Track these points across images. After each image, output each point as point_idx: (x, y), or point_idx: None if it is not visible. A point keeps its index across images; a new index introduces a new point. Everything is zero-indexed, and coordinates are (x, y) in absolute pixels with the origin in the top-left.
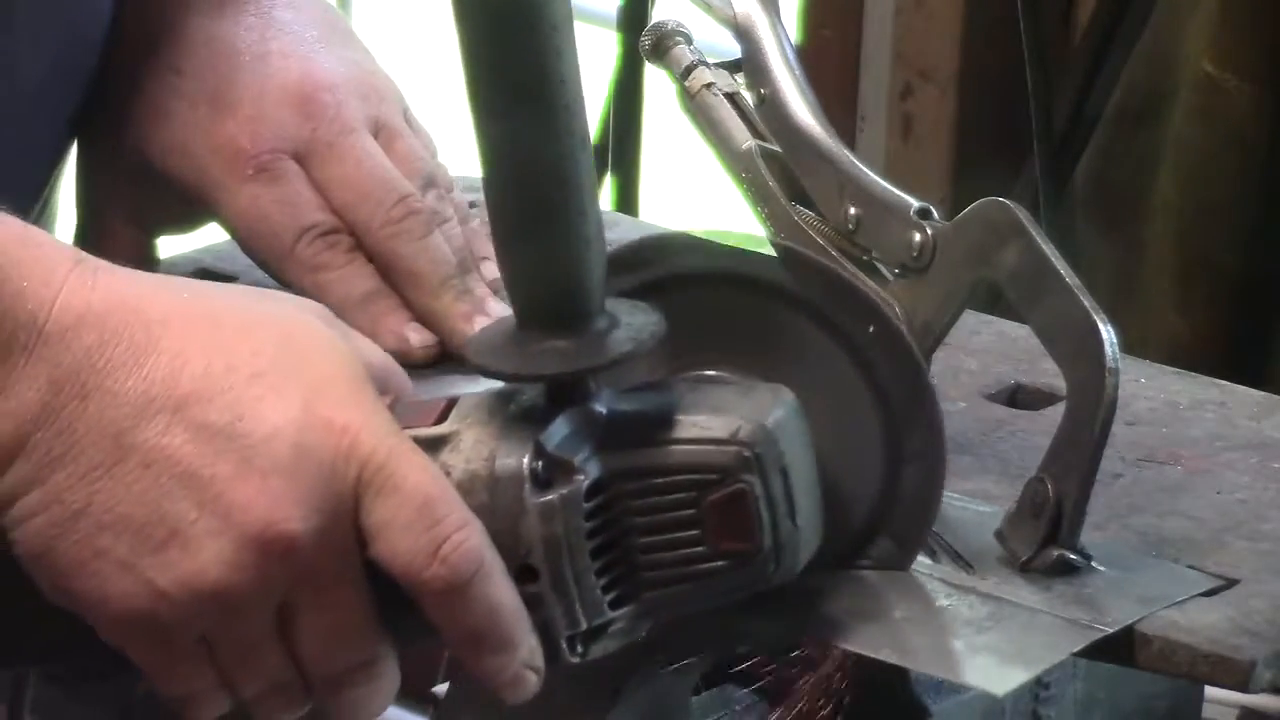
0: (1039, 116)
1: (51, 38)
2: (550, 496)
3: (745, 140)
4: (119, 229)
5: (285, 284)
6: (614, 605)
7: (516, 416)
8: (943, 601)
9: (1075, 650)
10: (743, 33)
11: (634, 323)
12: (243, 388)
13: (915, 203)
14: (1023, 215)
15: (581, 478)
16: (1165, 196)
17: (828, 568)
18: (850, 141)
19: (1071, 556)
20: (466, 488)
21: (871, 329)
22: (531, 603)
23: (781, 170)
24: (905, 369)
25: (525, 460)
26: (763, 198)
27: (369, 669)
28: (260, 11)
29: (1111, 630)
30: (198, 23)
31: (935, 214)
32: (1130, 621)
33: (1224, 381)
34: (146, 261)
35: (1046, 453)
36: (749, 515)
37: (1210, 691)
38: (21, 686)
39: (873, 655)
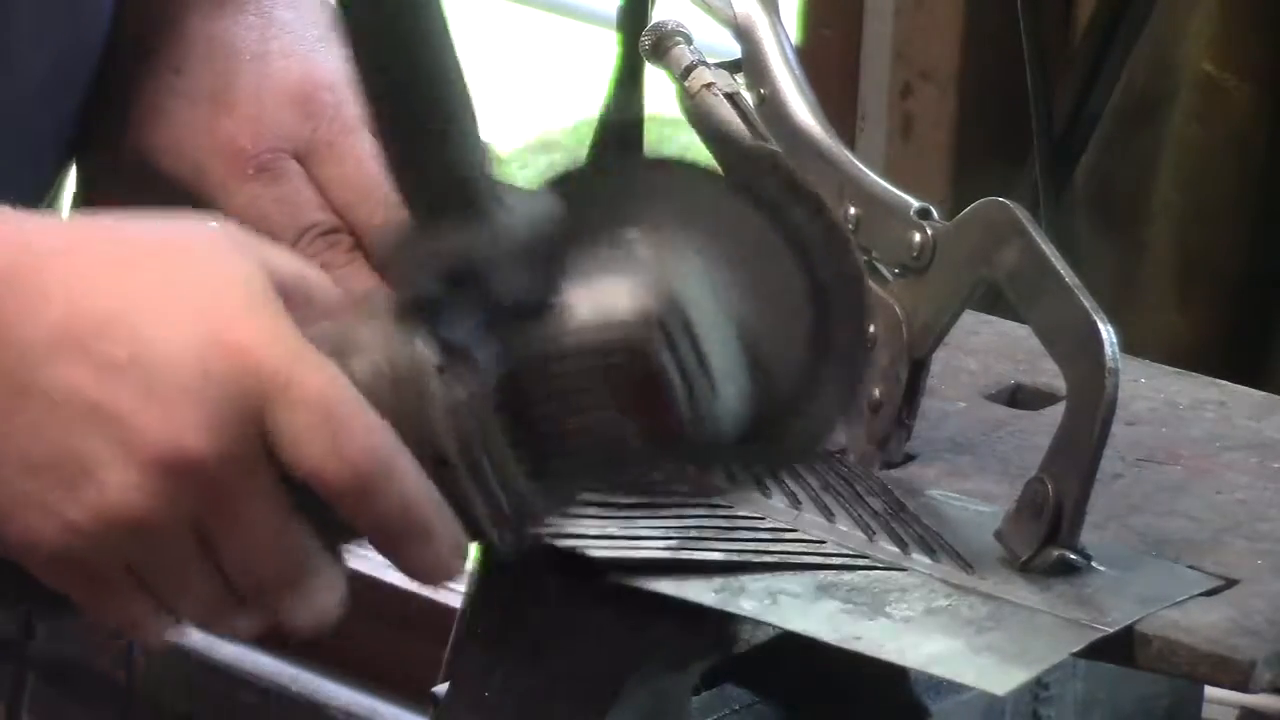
0: (1039, 116)
1: (52, 37)
2: (457, 389)
3: (745, 140)
4: None
5: None
6: (536, 488)
7: (420, 311)
8: (942, 601)
9: (1075, 650)
10: (743, 33)
11: (529, 207)
12: (141, 315)
13: (915, 203)
14: (1023, 215)
15: (487, 367)
16: (1165, 196)
17: (755, 446)
18: (850, 141)
19: (1071, 556)
20: (371, 388)
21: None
22: (449, 493)
23: None
24: (837, 255)
25: (429, 354)
26: None
27: (300, 573)
28: (260, 11)
29: (1111, 630)
30: (197, 22)
31: (935, 214)
32: (1130, 621)
33: (1224, 381)
34: None
35: (1046, 453)
36: (663, 387)
37: (1210, 691)
38: (20, 686)
39: (873, 655)
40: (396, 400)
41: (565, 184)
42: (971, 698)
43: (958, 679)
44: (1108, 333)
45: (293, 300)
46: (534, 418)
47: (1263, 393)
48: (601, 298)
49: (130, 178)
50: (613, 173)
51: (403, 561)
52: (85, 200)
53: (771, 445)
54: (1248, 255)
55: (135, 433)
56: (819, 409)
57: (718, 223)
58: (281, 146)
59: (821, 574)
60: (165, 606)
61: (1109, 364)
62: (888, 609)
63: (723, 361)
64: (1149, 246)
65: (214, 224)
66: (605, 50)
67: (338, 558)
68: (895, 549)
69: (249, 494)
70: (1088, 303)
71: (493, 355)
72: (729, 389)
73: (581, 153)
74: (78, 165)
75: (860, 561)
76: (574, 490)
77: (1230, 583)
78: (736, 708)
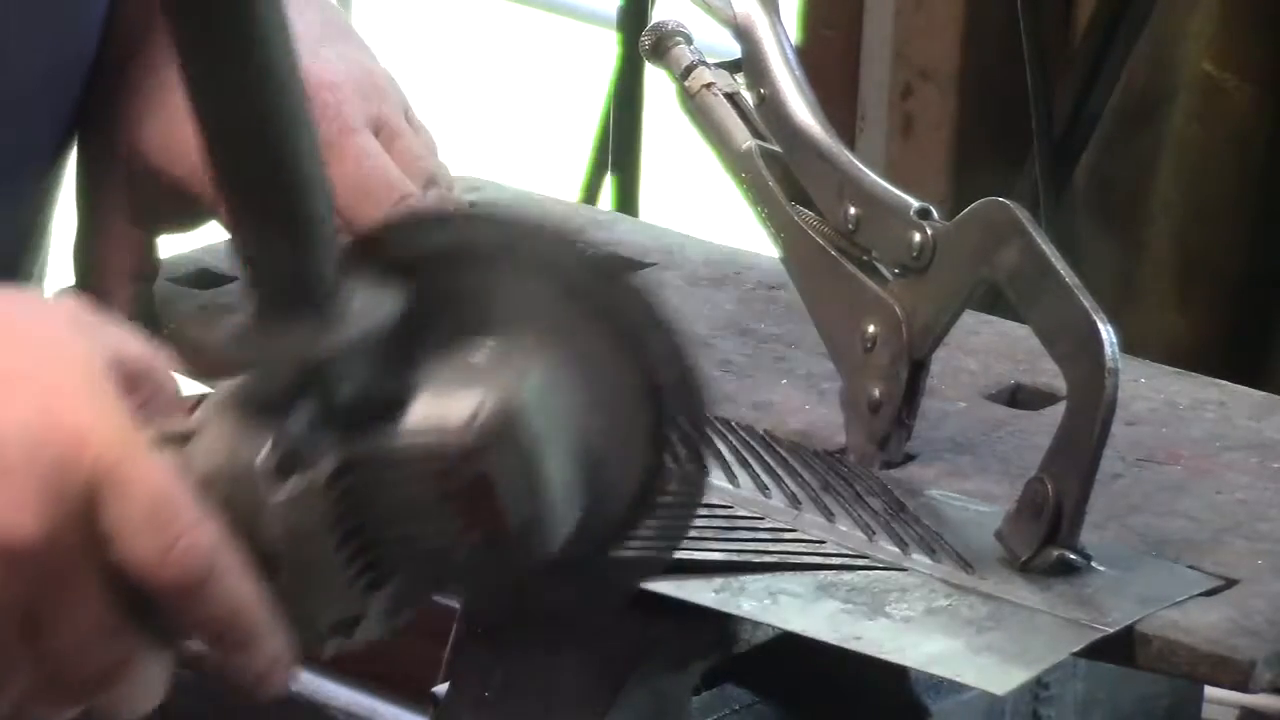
0: (1039, 116)
1: (43, 37)
2: (289, 488)
3: (745, 140)
4: (119, 229)
5: None
6: (366, 592)
7: (259, 407)
8: (943, 601)
9: (1075, 650)
10: (743, 33)
11: (374, 305)
12: None
13: (915, 203)
14: (1023, 215)
15: (322, 466)
16: (1165, 196)
17: (596, 546)
18: (850, 141)
19: (1071, 556)
20: (206, 483)
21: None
22: (278, 595)
23: (781, 170)
24: (670, 348)
25: (264, 452)
26: (763, 198)
27: (125, 667)
28: None
29: (1111, 630)
30: None
31: (935, 214)
32: (1130, 621)
33: (1224, 381)
34: (147, 262)
35: (1046, 453)
36: (494, 497)
37: (1210, 691)
38: None
39: (873, 655)
40: (231, 497)
41: (414, 281)
42: (971, 698)
43: (958, 679)
44: (1108, 333)
45: (135, 386)
46: (367, 520)
47: (1263, 393)
48: (440, 403)
49: (130, 177)
50: (461, 268)
51: (228, 666)
52: (86, 199)
53: (607, 557)
54: (1248, 255)
55: None
56: (655, 524)
57: (560, 329)
58: None
59: (821, 574)
60: None
61: (1109, 364)
62: (888, 609)
63: (557, 474)
64: (1149, 246)
65: (60, 304)
66: (605, 50)
67: (164, 652)
68: (895, 549)
69: (77, 583)
70: (1088, 303)
71: (330, 456)
72: (561, 501)
73: (435, 239)
74: (78, 164)
75: (860, 561)
76: (403, 597)
77: (1230, 583)
78: (736, 708)
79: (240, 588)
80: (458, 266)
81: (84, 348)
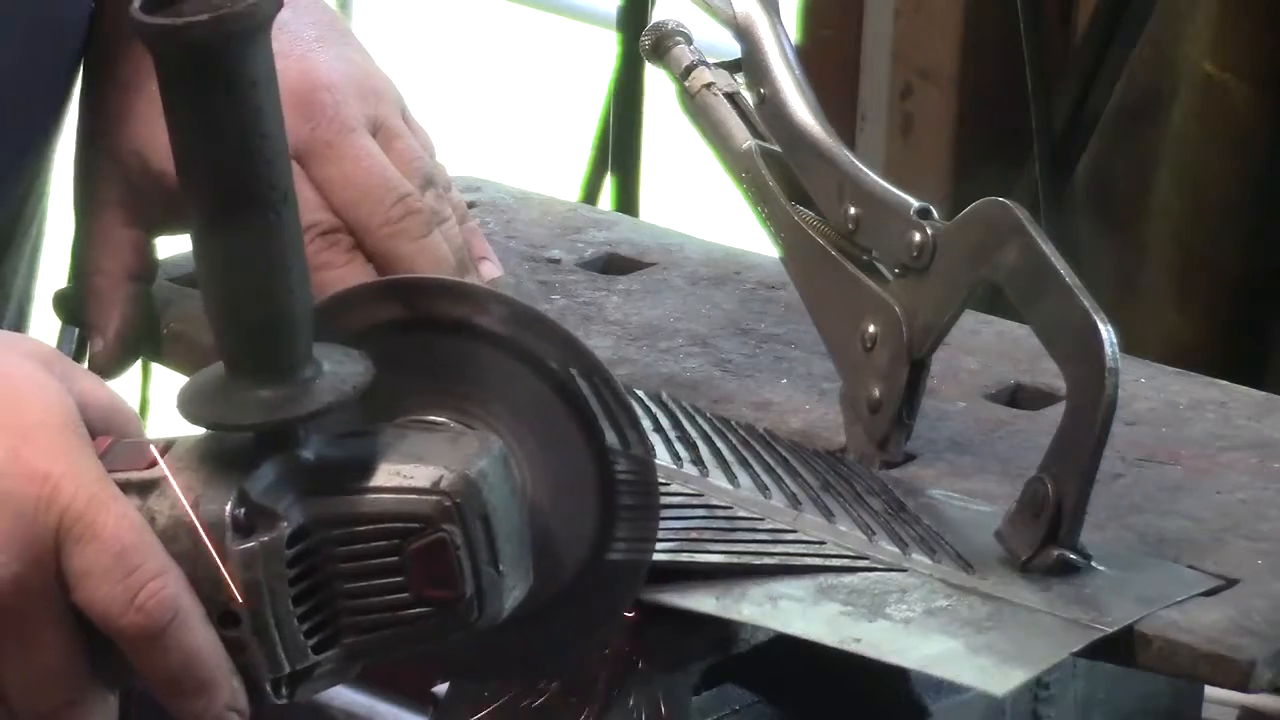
0: (1039, 116)
1: (20, 31)
2: (250, 543)
3: (745, 140)
4: (119, 229)
5: None
6: (318, 649)
7: (225, 462)
8: (942, 602)
9: (1075, 650)
10: (743, 33)
11: (341, 372)
12: None
13: (915, 203)
14: (1023, 215)
15: (284, 524)
16: (1165, 196)
17: (544, 613)
18: (850, 141)
19: (1071, 556)
20: (170, 534)
21: (575, 370)
22: (234, 647)
23: (781, 170)
24: (621, 418)
25: (228, 507)
26: (763, 198)
27: (76, 708)
28: None
29: (1111, 630)
30: None
31: (935, 214)
32: (1130, 621)
33: (1224, 381)
34: (146, 261)
35: (1046, 453)
36: (449, 563)
37: (1210, 691)
38: None
39: (873, 656)
40: (193, 549)
41: (384, 345)
42: (971, 697)
43: (957, 680)
44: (1108, 333)
45: (103, 432)
46: (324, 578)
47: (1263, 393)
48: (402, 469)
49: (129, 178)
50: (431, 335)
51: (181, 712)
52: (84, 200)
53: (556, 625)
54: (1248, 255)
55: None
56: (603, 594)
57: (521, 405)
58: None
59: (821, 577)
60: None
61: (1109, 364)
62: (888, 610)
63: (510, 545)
64: (1149, 246)
65: (32, 347)
66: (605, 50)
67: (114, 693)
68: (895, 549)
69: (39, 623)
70: (1088, 303)
71: (292, 514)
72: (513, 571)
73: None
74: (77, 165)
75: (860, 563)
76: (355, 656)
77: (1230, 583)
78: (736, 708)
79: (198, 638)
80: (423, 334)
81: (55, 393)
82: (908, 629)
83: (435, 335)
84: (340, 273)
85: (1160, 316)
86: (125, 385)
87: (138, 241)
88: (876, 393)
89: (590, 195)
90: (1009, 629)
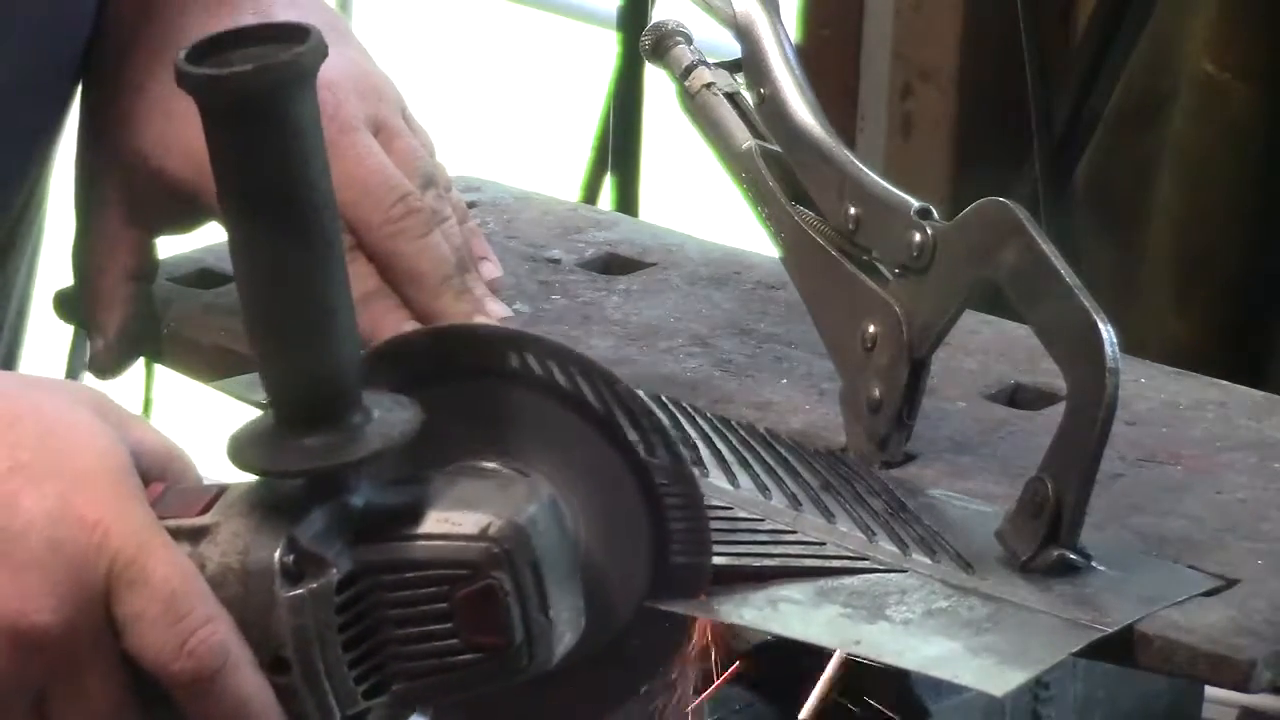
0: (1039, 116)
1: (26, 25)
2: (300, 590)
3: (745, 140)
4: (119, 229)
5: None
6: (369, 695)
7: (275, 509)
8: (942, 603)
9: (1075, 650)
10: (743, 33)
11: (390, 418)
12: (1, 480)
13: (915, 203)
14: (1023, 215)
15: (333, 571)
16: (1165, 196)
17: (595, 658)
18: (850, 141)
19: (1071, 556)
20: (219, 580)
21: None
22: (284, 694)
23: (781, 170)
24: (672, 461)
25: (278, 554)
26: (763, 198)
27: None
28: (259, 10)
29: (1111, 630)
30: (196, 20)
31: (935, 214)
32: (1130, 621)
33: (1224, 381)
34: (146, 261)
35: (1046, 453)
36: (498, 610)
37: (1210, 691)
38: None
39: (873, 658)
40: (243, 595)
41: (432, 392)
42: (971, 698)
43: (957, 681)
44: (1108, 333)
45: (155, 478)
46: (374, 624)
47: (1263, 393)
48: (451, 516)
49: (129, 177)
50: (477, 382)
51: None
52: (85, 199)
53: (604, 672)
54: (1248, 255)
55: None
56: (650, 642)
57: (570, 450)
58: None
59: (822, 579)
60: None
61: (1109, 364)
62: (887, 612)
63: (560, 591)
64: (1149, 246)
65: (82, 393)
66: (605, 50)
67: None
68: (895, 549)
69: (91, 670)
70: (1088, 303)
71: (342, 561)
72: (563, 618)
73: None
74: (77, 165)
75: (861, 564)
76: (406, 703)
77: (1230, 583)
78: (737, 708)
79: (249, 685)
80: (469, 381)
81: (107, 440)
82: (907, 630)
83: (481, 382)
84: None
85: (1160, 317)
86: (127, 385)
87: (138, 241)
88: (876, 393)
89: (590, 195)
90: (1009, 629)
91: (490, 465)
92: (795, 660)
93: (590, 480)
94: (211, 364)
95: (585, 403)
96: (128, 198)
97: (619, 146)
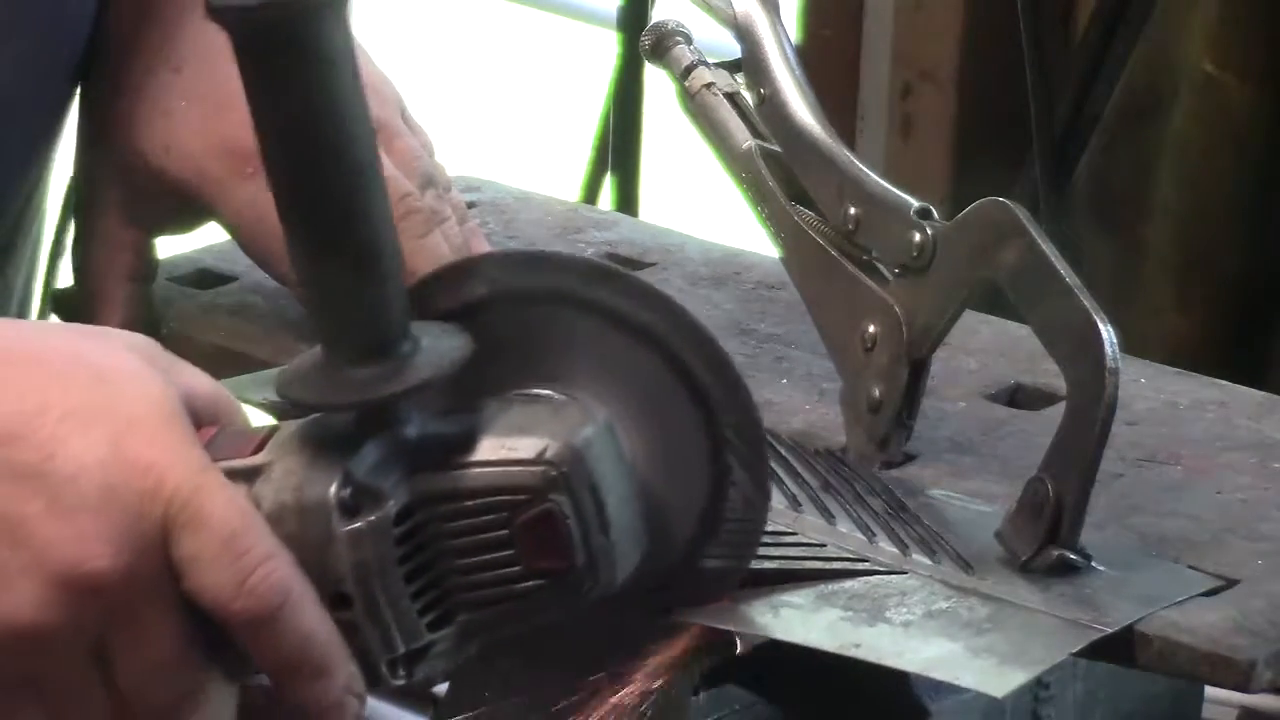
0: (1039, 116)
1: (30, 33)
2: (358, 524)
3: (745, 140)
4: (118, 229)
5: (285, 283)
6: (432, 627)
7: (327, 444)
8: (942, 604)
9: (1075, 650)
10: (743, 33)
11: (440, 346)
12: (53, 427)
13: (915, 203)
14: (1023, 215)
15: (390, 503)
16: (1165, 196)
17: (658, 583)
18: (850, 141)
19: (1071, 556)
20: (276, 518)
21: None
22: (347, 629)
23: (781, 170)
24: (724, 379)
25: (333, 489)
26: (763, 198)
27: (193, 699)
28: None
29: (1111, 630)
30: (196, 21)
31: (935, 214)
32: (1130, 621)
33: (1224, 381)
34: (146, 262)
35: (1046, 453)
36: (560, 534)
37: (1210, 691)
38: None
39: (873, 660)
40: (301, 532)
41: (480, 320)
42: (971, 698)
43: (957, 682)
44: (1108, 333)
45: (205, 421)
46: (434, 556)
47: (1263, 393)
48: (506, 442)
49: (129, 177)
50: (527, 309)
51: (298, 698)
52: (84, 199)
53: (666, 595)
54: (1248, 255)
55: (40, 545)
56: (715, 561)
57: (626, 374)
58: None
59: (822, 583)
60: (58, 718)
61: (1109, 364)
62: (887, 614)
63: (620, 513)
64: (1149, 246)
65: (132, 340)
66: (605, 50)
67: (232, 684)
68: (895, 550)
69: (150, 615)
70: (1088, 303)
71: (398, 492)
72: (624, 539)
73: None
74: (76, 165)
75: (861, 566)
76: (470, 634)
77: (1230, 583)
78: (736, 708)
79: (312, 621)
80: (522, 308)
81: (157, 385)
82: (907, 632)
83: (527, 307)
84: None
85: (1160, 316)
86: None
87: (138, 241)
88: (876, 393)
89: (590, 195)
90: (1009, 630)
91: (542, 391)
92: (796, 660)
93: (645, 403)
94: (211, 364)
95: (634, 323)
96: (128, 198)
97: (619, 146)
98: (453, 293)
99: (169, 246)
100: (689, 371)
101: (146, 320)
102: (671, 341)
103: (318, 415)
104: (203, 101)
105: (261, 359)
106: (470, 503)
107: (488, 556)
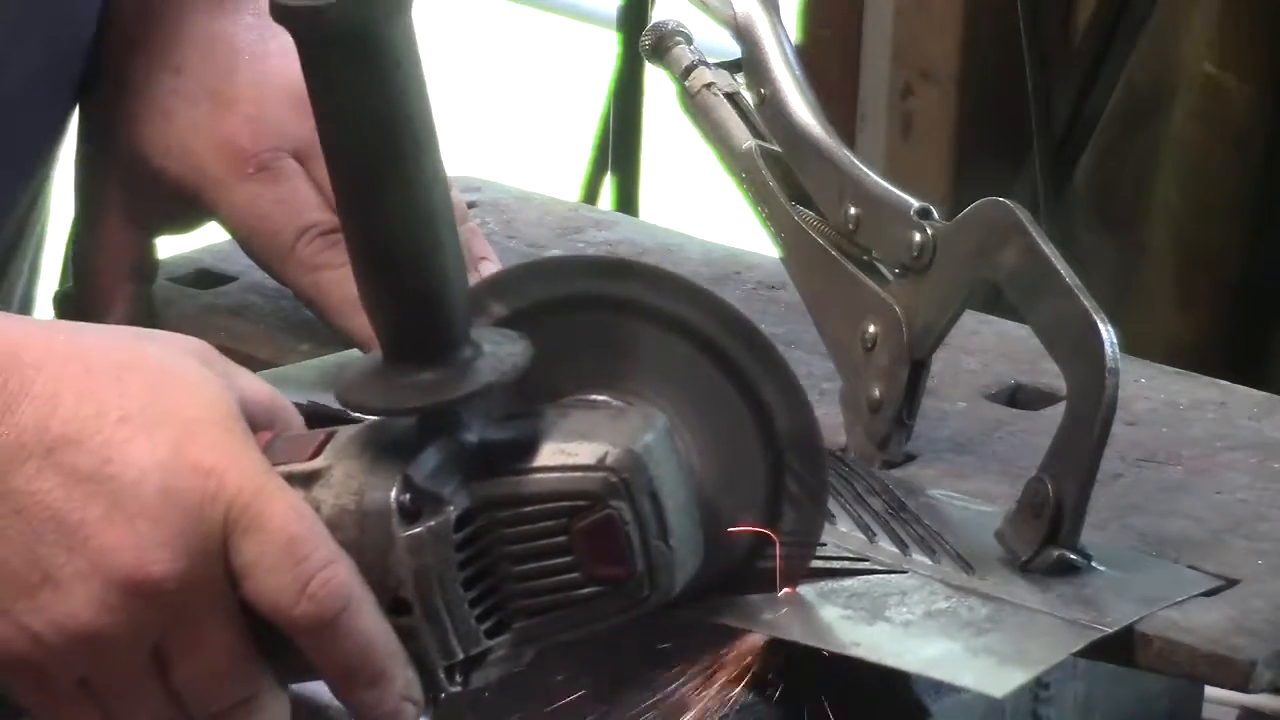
0: (1039, 116)
1: (36, 36)
2: (418, 529)
3: (745, 140)
4: (118, 229)
5: (285, 283)
6: (490, 634)
7: (387, 449)
8: (942, 604)
9: (1075, 650)
10: (743, 33)
11: (500, 352)
12: (111, 431)
13: (915, 203)
14: (1023, 215)
15: (450, 509)
16: (1165, 196)
17: (714, 588)
18: (850, 141)
19: (1071, 556)
20: (336, 523)
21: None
22: (406, 635)
23: (781, 170)
24: (787, 392)
25: (393, 493)
26: (763, 198)
27: (250, 705)
28: (259, 10)
29: (1111, 630)
30: (197, 21)
31: (935, 214)
32: (1130, 621)
33: (1224, 381)
34: (147, 262)
35: (1046, 453)
36: (619, 540)
37: (1210, 691)
38: None
39: (873, 660)
40: (360, 537)
41: (539, 327)
42: (971, 698)
43: (957, 682)
44: (1108, 333)
45: (262, 427)
46: (493, 561)
47: (1263, 393)
48: (566, 448)
49: (130, 177)
50: (583, 313)
51: (356, 704)
52: (85, 199)
53: (723, 599)
54: (1248, 255)
55: (99, 549)
56: (772, 567)
57: (685, 382)
58: (281, 146)
59: (822, 581)
60: None
61: (1109, 364)
62: (887, 613)
63: (679, 520)
64: (1149, 246)
65: (189, 344)
66: (605, 50)
67: (285, 690)
68: (895, 550)
69: (209, 619)
70: (1088, 303)
71: (458, 498)
72: (683, 546)
73: (557, 291)
74: (77, 164)
75: (861, 565)
76: (528, 640)
77: (1230, 583)
78: (737, 708)
79: (371, 626)
80: (580, 314)
81: (216, 388)
82: (907, 632)
83: (587, 313)
84: (339, 273)
85: (1160, 316)
86: None
87: (138, 241)
88: (876, 393)
89: (590, 195)
90: (1009, 630)
91: (600, 397)
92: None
93: (703, 409)
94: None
95: (700, 333)
96: (128, 198)
97: (619, 146)
98: (509, 299)
99: (169, 246)
100: (746, 379)
101: (146, 321)
102: (729, 349)
103: (377, 420)
104: (203, 101)
105: (262, 359)
106: (530, 508)
107: (547, 563)
